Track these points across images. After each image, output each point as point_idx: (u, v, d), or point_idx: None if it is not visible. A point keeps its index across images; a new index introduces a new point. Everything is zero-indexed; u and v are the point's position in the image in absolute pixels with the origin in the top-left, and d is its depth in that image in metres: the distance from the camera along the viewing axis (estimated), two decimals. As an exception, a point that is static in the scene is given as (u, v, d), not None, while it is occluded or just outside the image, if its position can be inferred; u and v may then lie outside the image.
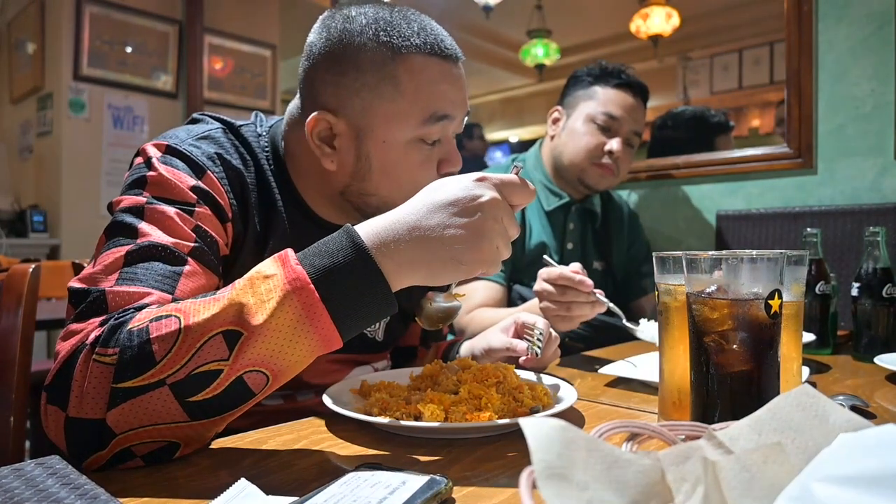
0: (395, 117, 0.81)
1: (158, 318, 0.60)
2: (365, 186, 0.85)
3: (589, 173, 1.67)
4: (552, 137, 1.75)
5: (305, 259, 0.62)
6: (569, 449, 0.33)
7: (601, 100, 1.67)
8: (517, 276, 1.61)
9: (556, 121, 1.76)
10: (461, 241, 0.64)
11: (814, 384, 0.98)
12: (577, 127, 1.68)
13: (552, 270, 1.12)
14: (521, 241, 1.64)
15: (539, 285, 1.14)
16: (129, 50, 3.99)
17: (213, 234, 0.77)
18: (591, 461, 0.34)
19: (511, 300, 1.58)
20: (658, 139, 2.45)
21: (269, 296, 0.60)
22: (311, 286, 0.60)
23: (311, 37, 0.85)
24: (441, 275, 0.66)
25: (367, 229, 0.65)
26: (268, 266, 0.62)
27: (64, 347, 0.63)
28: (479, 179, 0.66)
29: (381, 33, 0.80)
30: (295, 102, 0.90)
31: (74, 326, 0.65)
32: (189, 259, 0.72)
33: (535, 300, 1.38)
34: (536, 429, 0.33)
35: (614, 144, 1.64)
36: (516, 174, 0.69)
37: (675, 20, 2.63)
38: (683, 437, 0.45)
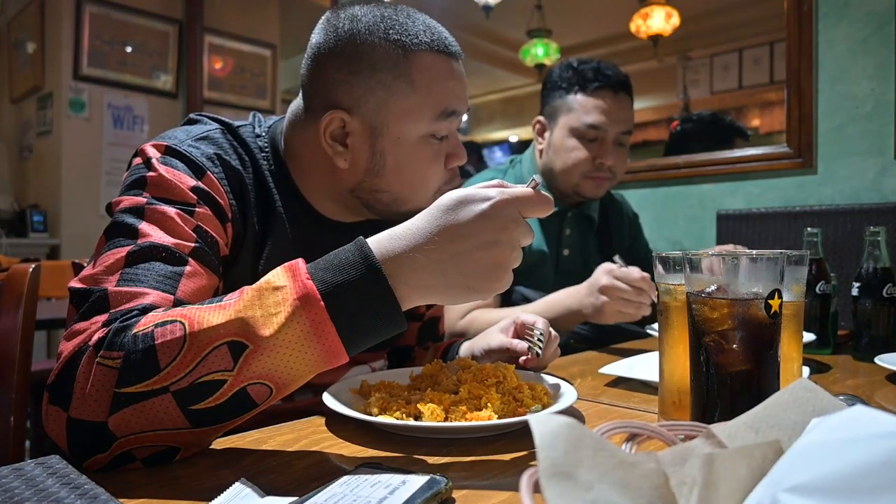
0: (410, 114, 0.83)
1: (163, 324, 0.60)
2: (378, 183, 0.86)
3: (583, 187, 1.60)
4: (541, 152, 1.67)
5: (316, 273, 0.61)
6: (576, 447, 0.33)
7: (580, 110, 1.56)
8: (517, 280, 1.58)
9: (540, 132, 1.68)
10: (479, 271, 0.63)
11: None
12: (563, 143, 1.59)
13: (631, 272, 1.23)
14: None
15: (614, 282, 1.24)
16: (129, 50, 3.99)
17: (214, 234, 0.77)
18: (597, 460, 0.33)
19: (513, 301, 1.56)
20: (678, 138, 2.45)
21: (277, 309, 0.59)
22: (321, 303, 0.59)
23: (317, 37, 0.85)
24: (454, 300, 0.65)
25: (382, 249, 0.63)
26: (278, 276, 0.61)
27: (67, 347, 0.63)
28: (499, 205, 0.63)
29: (391, 31, 0.82)
30: (297, 103, 0.90)
31: (78, 326, 0.64)
32: (190, 259, 0.72)
33: (539, 302, 1.38)
34: (544, 426, 0.33)
35: (607, 159, 1.56)
36: (534, 188, 0.66)
37: (675, 20, 2.63)
38: (683, 437, 0.45)
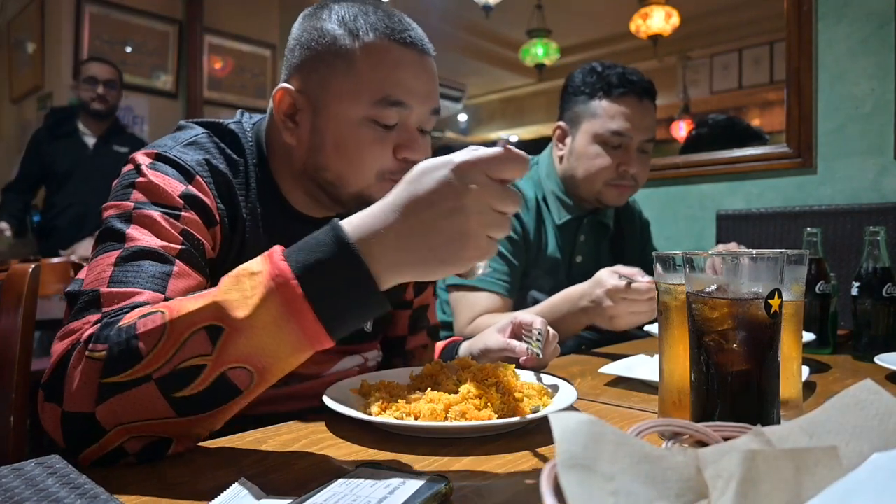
0: (347, 94, 0.84)
1: (146, 315, 0.61)
2: (319, 161, 0.87)
3: (606, 195, 1.56)
4: (560, 158, 1.62)
5: (291, 255, 0.61)
6: (596, 442, 0.33)
7: (604, 116, 1.52)
8: (531, 284, 1.57)
9: (560, 138, 1.62)
10: (445, 244, 0.61)
11: (814, 383, 0.98)
12: (586, 149, 1.54)
13: (639, 287, 1.18)
14: (537, 251, 1.57)
15: (619, 301, 1.21)
16: (129, 50, 3.99)
17: (200, 237, 0.79)
18: (619, 455, 0.33)
19: (526, 305, 1.54)
20: (694, 142, 2.45)
21: (253, 292, 0.59)
22: (294, 281, 0.59)
23: (292, 31, 0.92)
24: (429, 274, 0.64)
25: (353, 228, 0.62)
26: (255, 263, 0.62)
27: (60, 346, 0.64)
28: (461, 168, 0.60)
29: (346, 16, 0.86)
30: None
31: (71, 326, 0.66)
32: (177, 261, 0.74)
33: (535, 308, 1.37)
34: (563, 421, 0.33)
35: (631, 166, 1.53)
36: (503, 147, 0.61)
37: (675, 20, 2.63)
38: (726, 437, 0.44)
